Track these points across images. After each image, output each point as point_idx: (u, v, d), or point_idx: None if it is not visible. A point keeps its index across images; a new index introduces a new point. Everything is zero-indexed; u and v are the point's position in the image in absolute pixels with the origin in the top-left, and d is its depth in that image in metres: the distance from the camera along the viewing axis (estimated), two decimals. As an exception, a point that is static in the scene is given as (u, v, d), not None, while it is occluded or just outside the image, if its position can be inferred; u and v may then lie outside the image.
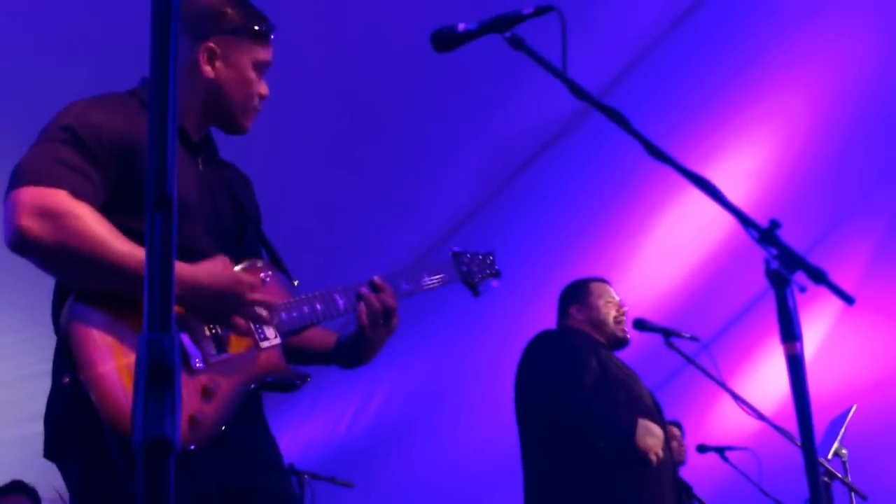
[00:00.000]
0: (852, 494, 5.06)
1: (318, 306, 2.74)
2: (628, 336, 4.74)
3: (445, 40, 2.67)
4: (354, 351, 2.85)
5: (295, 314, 2.69)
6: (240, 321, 2.51)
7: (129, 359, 2.31)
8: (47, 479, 5.26)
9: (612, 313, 4.72)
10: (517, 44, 2.50)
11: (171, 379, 1.22)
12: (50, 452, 2.47)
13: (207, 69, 2.69)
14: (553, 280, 4.60)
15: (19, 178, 2.37)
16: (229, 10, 2.72)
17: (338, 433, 6.64)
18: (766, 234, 1.99)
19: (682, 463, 5.71)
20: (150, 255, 1.25)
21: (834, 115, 7.19)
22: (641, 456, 4.28)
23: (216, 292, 2.45)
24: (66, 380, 2.25)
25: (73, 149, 2.43)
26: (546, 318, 4.87)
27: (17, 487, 5.31)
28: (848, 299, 1.93)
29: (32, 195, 2.33)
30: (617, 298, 4.77)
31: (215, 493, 2.47)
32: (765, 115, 6.75)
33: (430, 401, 6.56)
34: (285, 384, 2.64)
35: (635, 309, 4.91)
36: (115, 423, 2.24)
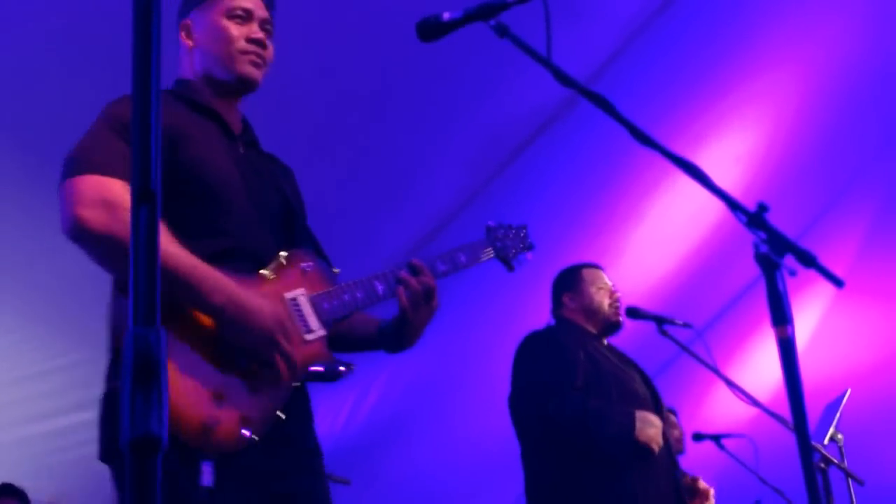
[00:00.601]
0: (849, 480, 5.07)
1: (358, 294, 2.73)
2: (622, 320, 4.71)
3: (430, 30, 2.66)
4: (398, 335, 2.83)
5: (336, 303, 2.68)
6: (266, 355, 2.48)
7: (179, 361, 2.32)
8: (42, 483, 5.25)
9: (606, 300, 4.70)
10: (502, 31, 2.49)
11: (157, 374, 1.21)
12: (105, 455, 2.47)
13: (189, 43, 2.79)
14: (546, 268, 4.59)
15: (76, 166, 2.39)
16: None
17: (335, 430, 6.63)
18: (754, 217, 1.99)
19: (680, 452, 5.71)
20: (134, 248, 1.24)
21: (823, 97, 7.19)
22: (643, 448, 4.26)
23: (253, 320, 2.43)
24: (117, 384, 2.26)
25: (124, 139, 2.46)
26: (540, 307, 4.86)
27: (7, 490, 5.30)
28: (837, 282, 1.93)
29: (91, 184, 2.36)
30: (609, 284, 4.74)
31: (261, 493, 2.46)
32: (753, 99, 6.74)
33: (427, 396, 6.55)
34: (331, 374, 2.64)
35: (628, 296, 4.90)
36: (175, 426, 2.22)
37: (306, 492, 2.60)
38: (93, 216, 2.31)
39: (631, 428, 4.25)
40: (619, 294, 4.74)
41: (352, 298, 2.71)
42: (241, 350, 2.44)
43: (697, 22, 5.78)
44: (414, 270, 2.78)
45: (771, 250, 1.94)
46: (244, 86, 2.79)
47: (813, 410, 5.61)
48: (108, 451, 2.44)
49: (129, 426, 1.18)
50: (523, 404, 4.46)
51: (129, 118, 2.43)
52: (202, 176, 2.57)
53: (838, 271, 1.88)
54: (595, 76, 5.45)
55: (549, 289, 4.86)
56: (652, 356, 6.74)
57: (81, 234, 2.33)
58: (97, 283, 4.68)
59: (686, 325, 4.73)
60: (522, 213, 5.95)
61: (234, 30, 2.75)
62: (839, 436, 5.19)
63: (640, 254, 7.13)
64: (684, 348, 4.75)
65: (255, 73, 2.77)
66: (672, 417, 6.39)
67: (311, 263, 2.72)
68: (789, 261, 1.94)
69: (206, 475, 2.25)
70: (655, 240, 7.19)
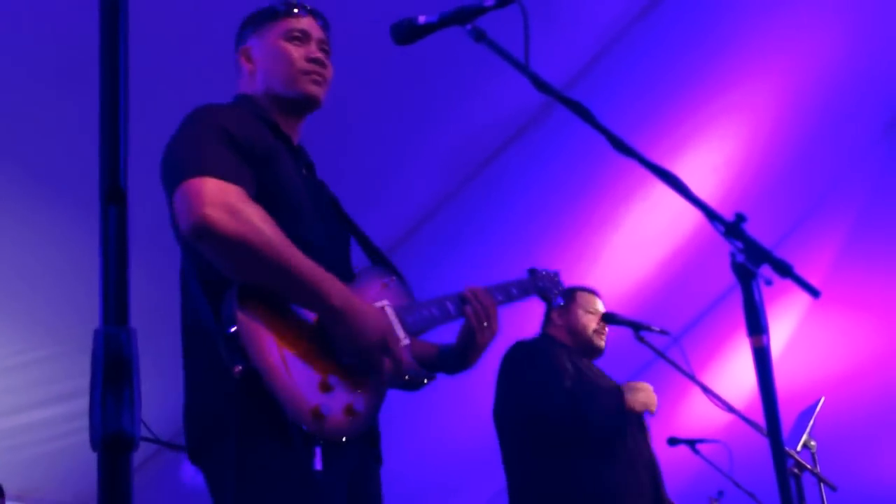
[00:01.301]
0: (822, 486, 5.08)
1: (434, 311, 2.88)
2: (603, 347, 4.76)
3: (405, 33, 2.65)
4: (462, 355, 2.98)
5: (417, 317, 2.82)
6: (375, 358, 2.56)
7: (288, 353, 2.42)
8: (11, 477, 5.22)
9: (592, 325, 4.74)
10: (479, 36, 2.48)
11: (128, 373, 1.21)
12: (199, 447, 2.53)
13: (249, 66, 2.87)
14: (520, 273, 4.59)
15: (195, 169, 2.43)
16: (253, 14, 2.91)
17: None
18: (731, 227, 1.99)
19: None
20: (104, 248, 1.23)
21: (800, 108, 7.22)
22: (639, 414, 4.40)
23: (367, 324, 2.53)
24: (239, 368, 2.30)
25: (232, 150, 2.52)
26: (515, 311, 4.85)
27: None
28: (814, 292, 1.93)
29: (215, 186, 2.40)
30: (600, 312, 4.79)
31: (343, 487, 2.55)
32: (731, 109, 6.76)
33: (407, 395, 6.53)
34: (416, 382, 2.75)
35: (605, 302, 4.92)
36: (293, 410, 2.34)
37: (373, 495, 2.71)
38: (221, 218, 2.35)
39: (621, 399, 4.35)
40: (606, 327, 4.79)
41: (429, 314, 2.86)
42: (352, 349, 2.52)
43: (676, 31, 5.79)
44: (476, 292, 2.94)
45: (747, 260, 1.94)
46: (308, 104, 2.86)
47: (787, 417, 5.66)
48: (207, 439, 2.51)
49: (101, 424, 1.18)
50: (512, 408, 4.49)
51: (232, 126, 2.55)
52: (285, 196, 2.65)
53: (814, 281, 1.89)
54: (573, 82, 5.45)
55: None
56: (628, 362, 6.77)
57: (206, 234, 2.35)
58: (63, 280, 4.68)
59: (662, 332, 4.74)
60: (498, 216, 5.98)
61: (294, 51, 2.83)
62: (812, 442, 5.21)
63: (616, 260, 7.14)
64: (660, 354, 4.76)
65: (317, 91, 2.84)
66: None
67: (392, 278, 2.86)
68: (766, 270, 1.95)
69: (318, 460, 2.34)
70: (632, 246, 7.20)
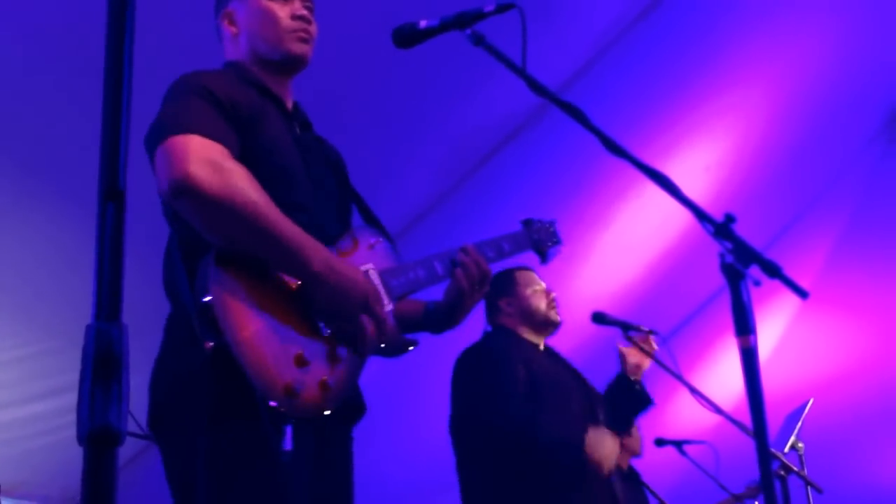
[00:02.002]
0: (808, 488, 5.10)
1: (421, 272, 2.81)
2: (559, 319, 4.64)
3: (407, 37, 2.69)
4: (447, 316, 2.90)
5: (402, 280, 2.75)
6: (358, 323, 2.51)
7: (263, 325, 2.34)
8: (2, 471, 5.22)
9: (542, 302, 4.62)
10: (478, 40, 2.53)
11: (118, 369, 1.21)
12: (162, 419, 2.47)
13: (232, 30, 2.82)
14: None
15: (178, 126, 2.37)
16: None
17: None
18: (721, 228, 2.00)
19: (637, 454, 5.73)
20: (100, 245, 1.24)
21: (793, 110, 7.25)
22: (592, 468, 4.15)
23: (348, 286, 2.48)
24: (210, 344, 2.25)
25: (217, 110, 2.47)
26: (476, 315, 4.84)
27: None
28: (802, 293, 1.95)
29: (199, 143, 2.35)
30: (543, 285, 4.67)
31: (312, 460, 2.50)
32: (724, 111, 6.79)
33: (386, 395, 6.55)
34: (397, 349, 2.71)
35: (594, 302, 4.92)
36: (263, 388, 2.26)
37: (343, 467, 2.67)
38: (203, 174, 2.28)
39: (580, 444, 4.15)
40: (554, 294, 4.67)
41: (415, 276, 2.79)
42: (333, 315, 2.48)
43: (671, 35, 5.81)
44: (469, 254, 2.85)
45: (736, 260, 1.95)
46: (295, 63, 2.82)
47: (776, 419, 5.67)
48: (172, 413, 2.45)
49: (89, 418, 1.19)
50: (466, 412, 4.38)
51: (216, 88, 2.50)
52: (273, 158, 2.59)
53: (804, 282, 1.90)
54: (569, 84, 5.47)
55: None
56: (617, 362, 6.77)
57: (189, 191, 2.28)
58: (57, 276, 4.68)
59: (651, 332, 4.74)
60: (491, 217, 5.99)
61: (279, 10, 2.79)
62: (800, 444, 5.23)
63: (606, 260, 7.15)
64: (649, 355, 4.77)
65: (304, 49, 2.80)
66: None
67: (378, 240, 2.79)
68: (754, 271, 1.96)
69: (288, 438, 2.28)
70: (622, 246, 7.21)
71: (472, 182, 5.69)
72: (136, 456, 5.48)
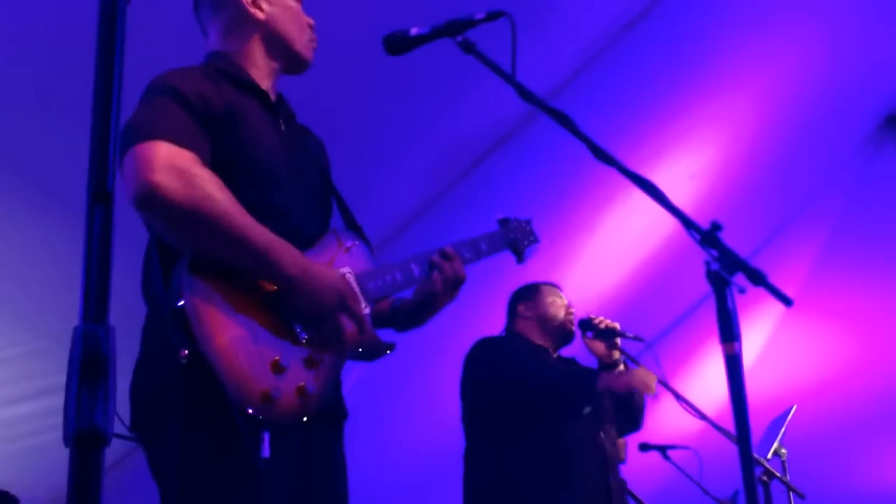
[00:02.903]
0: (791, 494, 5.11)
1: (398, 275, 2.79)
2: (575, 332, 4.74)
3: (398, 44, 2.70)
4: (415, 315, 2.90)
5: (380, 283, 2.73)
6: (334, 324, 2.51)
7: (239, 332, 2.31)
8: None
9: (561, 312, 4.72)
10: (468, 48, 2.54)
11: (104, 370, 1.22)
12: (143, 424, 2.45)
13: (256, 11, 2.78)
14: (496, 276, 4.61)
15: (143, 133, 2.34)
16: None
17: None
18: (707, 235, 2.02)
19: (621, 461, 5.73)
20: (88, 247, 1.25)
21: (779, 118, 7.27)
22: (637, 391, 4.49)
23: (323, 288, 2.46)
24: (185, 352, 2.21)
25: (187, 113, 2.44)
26: (492, 314, 4.87)
27: None
28: (786, 301, 1.96)
29: (166, 151, 2.31)
30: (566, 301, 4.79)
31: (297, 467, 2.49)
32: (711, 119, 6.80)
33: (374, 398, 6.55)
34: (374, 353, 2.68)
35: (580, 307, 4.93)
36: (239, 395, 2.24)
37: (333, 471, 2.65)
38: (169, 183, 2.25)
39: (591, 379, 4.39)
40: (574, 310, 4.77)
41: (392, 279, 2.77)
42: (310, 318, 2.46)
43: (660, 43, 5.83)
44: (446, 257, 2.85)
45: (722, 268, 1.96)
46: (301, 68, 2.86)
47: (759, 425, 5.68)
48: (150, 419, 2.44)
49: (75, 419, 1.20)
50: (488, 384, 4.49)
51: (187, 89, 2.46)
52: (252, 156, 2.57)
53: (789, 290, 1.92)
54: (557, 91, 5.47)
55: (500, 295, 4.87)
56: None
57: (154, 200, 2.25)
58: (45, 276, 4.66)
59: (637, 338, 4.76)
60: (478, 222, 5.96)
61: (301, 13, 2.85)
62: (783, 450, 5.24)
63: (592, 265, 7.15)
64: (634, 360, 4.78)
65: (312, 59, 2.87)
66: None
67: (355, 243, 2.77)
68: (739, 279, 1.97)
69: (266, 446, 2.26)
70: (608, 252, 7.22)
71: (461, 188, 5.69)
72: (123, 458, 5.45)
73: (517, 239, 3.36)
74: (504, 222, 3.36)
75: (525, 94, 2.41)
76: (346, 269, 2.66)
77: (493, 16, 2.56)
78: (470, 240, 3.12)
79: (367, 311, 2.65)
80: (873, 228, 9.13)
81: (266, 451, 2.25)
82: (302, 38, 2.82)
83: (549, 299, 4.75)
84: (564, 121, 2.31)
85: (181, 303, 2.24)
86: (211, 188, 2.31)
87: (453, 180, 5.64)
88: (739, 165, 7.43)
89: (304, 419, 2.40)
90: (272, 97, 2.80)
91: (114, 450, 5.13)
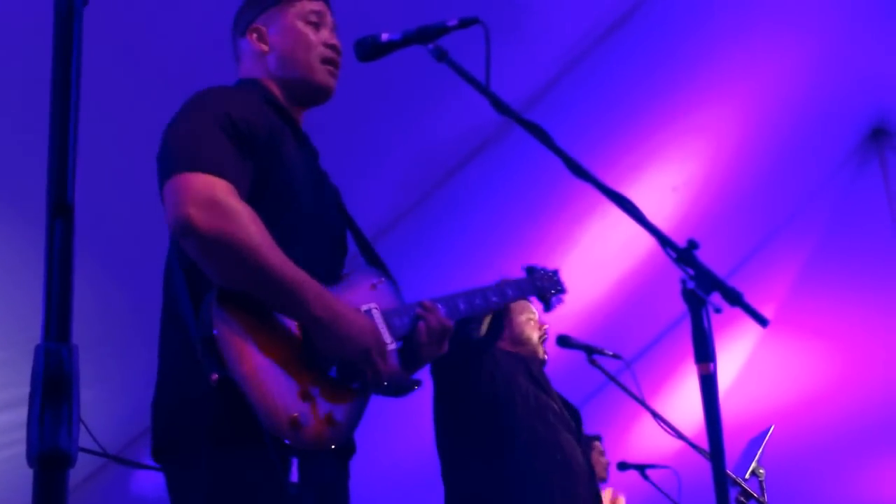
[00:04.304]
0: (768, 514, 5.11)
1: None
2: (545, 357, 4.67)
3: (368, 50, 2.67)
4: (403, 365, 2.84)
5: (406, 320, 2.70)
6: (362, 365, 2.49)
7: (268, 361, 2.33)
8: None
9: (535, 334, 4.63)
10: (440, 56, 2.51)
11: (68, 390, 1.20)
12: (168, 442, 2.44)
13: (262, 47, 2.76)
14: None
15: (183, 162, 2.34)
16: None
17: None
18: (683, 254, 2.00)
19: (603, 480, 5.74)
20: (49, 263, 1.22)
21: (763, 132, 7.27)
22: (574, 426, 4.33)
23: (350, 331, 2.45)
24: (215, 377, 2.22)
25: (230, 138, 2.42)
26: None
27: None
28: (762, 321, 1.95)
29: (201, 183, 2.31)
30: (537, 315, 4.70)
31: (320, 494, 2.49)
32: (694, 129, 6.78)
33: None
34: (402, 389, 2.67)
35: (558, 324, 4.89)
36: (269, 421, 2.25)
37: (340, 496, 2.65)
38: (201, 217, 2.26)
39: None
40: (546, 327, 4.69)
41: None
42: (334, 358, 2.46)
43: (641, 52, 5.81)
44: (427, 309, 2.76)
45: (698, 287, 1.95)
46: (319, 95, 2.80)
47: (739, 445, 5.67)
48: (176, 444, 2.42)
49: (38, 440, 1.18)
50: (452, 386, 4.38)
51: (235, 113, 2.44)
52: (290, 188, 2.56)
53: (769, 308, 1.91)
54: (535, 99, 5.44)
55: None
56: (580, 385, 6.77)
57: (187, 233, 2.27)
58: (8, 287, 4.61)
59: (615, 356, 4.74)
60: (454, 233, 5.97)
61: (312, 35, 2.76)
62: (761, 470, 5.23)
63: (570, 281, 7.10)
64: (612, 379, 4.77)
65: (331, 83, 2.79)
66: (599, 445, 6.41)
67: (380, 280, 2.77)
68: (716, 298, 1.96)
69: (294, 471, 2.30)
70: (587, 268, 7.19)
71: (436, 199, 5.64)
72: (95, 474, 5.40)
73: (544, 287, 3.47)
74: (531, 270, 3.46)
75: (500, 106, 2.38)
76: (372, 305, 2.65)
77: (465, 23, 2.53)
78: (496, 284, 3.18)
79: (392, 346, 2.63)
80: (856, 244, 9.16)
81: (295, 476, 2.29)
82: (310, 63, 2.75)
83: (524, 317, 4.60)
84: (540, 134, 2.29)
85: (213, 332, 2.26)
86: (245, 222, 2.31)
87: (427, 191, 5.61)
88: (723, 179, 7.43)
89: (333, 447, 2.41)
90: (300, 129, 2.79)
91: (84, 466, 5.09)
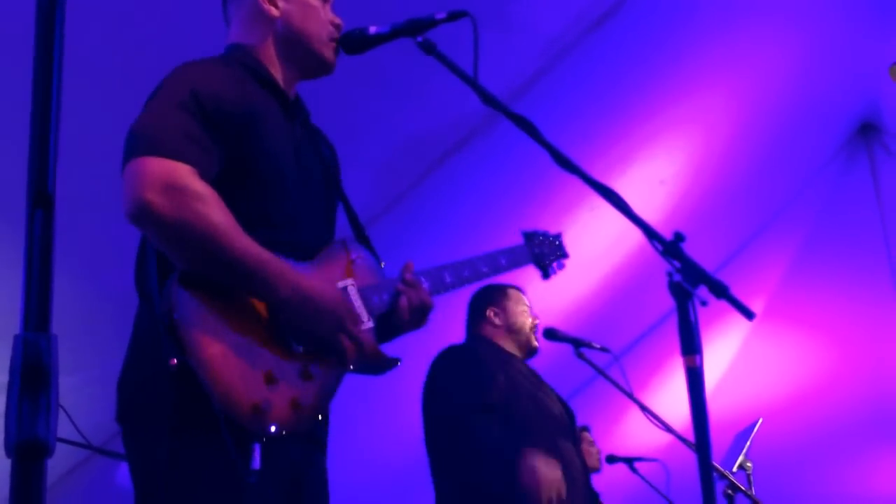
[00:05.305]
0: (755, 507, 5.11)
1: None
2: (538, 346, 4.69)
3: (356, 43, 2.68)
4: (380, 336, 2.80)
5: (385, 297, 2.68)
6: (333, 344, 2.48)
7: (231, 344, 2.29)
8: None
9: (528, 322, 4.66)
10: (429, 49, 2.52)
11: (46, 380, 1.20)
12: (128, 416, 2.43)
13: (272, 9, 2.71)
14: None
15: (143, 146, 2.32)
16: None
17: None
18: (669, 246, 2.00)
19: (596, 470, 5.73)
20: (28, 253, 1.22)
21: (752, 125, 7.26)
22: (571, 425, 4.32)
23: (318, 309, 2.43)
24: (174, 362, 2.20)
25: (196, 119, 2.39)
26: (456, 318, 4.81)
27: None
28: (748, 314, 1.95)
29: (159, 167, 2.28)
30: (529, 308, 4.72)
31: (284, 479, 2.46)
32: (682, 122, 6.77)
33: (340, 402, 6.48)
34: (378, 368, 2.63)
35: (546, 317, 4.89)
36: (228, 408, 2.22)
37: (315, 482, 2.62)
38: (160, 202, 2.23)
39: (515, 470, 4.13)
40: (538, 321, 4.71)
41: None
42: (303, 335, 2.43)
43: (629, 43, 5.79)
44: (410, 284, 2.74)
45: (684, 280, 1.95)
46: (321, 70, 2.79)
47: (727, 438, 5.66)
48: (137, 415, 2.41)
49: (16, 430, 1.18)
50: (436, 420, 4.34)
51: (203, 91, 2.41)
52: (265, 163, 2.53)
53: (758, 302, 1.91)
54: (521, 91, 5.42)
55: (464, 300, 4.77)
56: (568, 378, 6.76)
57: (145, 219, 2.25)
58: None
59: (603, 350, 4.74)
60: (439, 224, 5.95)
61: (321, 11, 2.75)
62: (748, 464, 5.23)
63: (558, 274, 7.11)
64: (601, 372, 4.76)
65: (334, 60, 2.77)
66: (588, 435, 6.41)
67: (360, 254, 2.73)
68: (702, 291, 1.96)
69: (256, 458, 2.24)
70: (574, 260, 7.14)
71: (420, 190, 5.61)
72: (78, 466, 5.38)
73: (543, 253, 3.32)
74: (529, 236, 3.32)
75: (487, 99, 2.39)
76: (349, 282, 2.63)
77: (454, 16, 2.54)
78: (489, 254, 3.09)
79: (369, 325, 2.60)
80: (845, 239, 9.16)
81: (257, 464, 2.24)
82: (321, 37, 2.73)
83: (520, 308, 4.67)
84: (527, 127, 2.30)
85: (176, 316, 2.25)
86: (203, 206, 2.29)
87: (412, 182, 5.58)
88: (711, 172, 7.42)
89: (298, 432, 2.39)
90: (290, 97, 2.75)
91: (68, 458, 5.07)
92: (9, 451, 1.18)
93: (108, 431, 4.96)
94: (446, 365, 4.44)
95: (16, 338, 1.20)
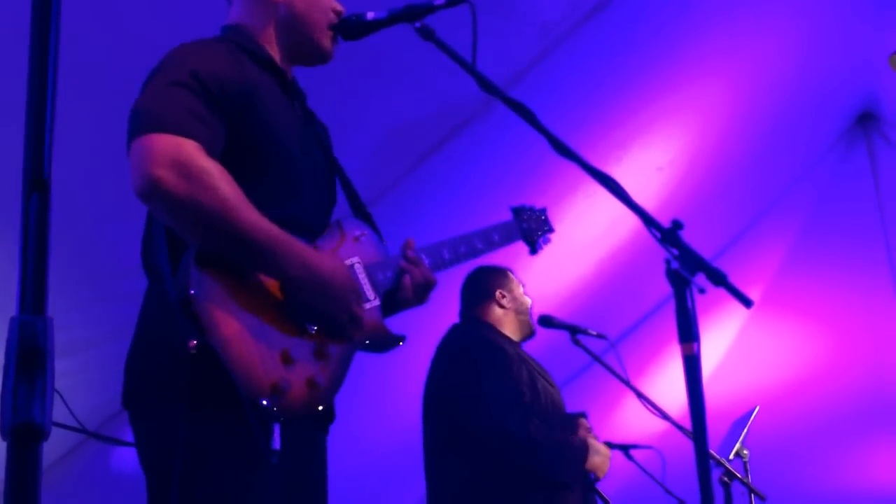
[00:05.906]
0: (752, 495, 5.12)
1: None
2: (535, 328, 4.68)
3: (353, 28, 2.68)
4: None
5: (390, 274, 2.70)
6: (341, 321, 2.48)
7: (247, 324, 2.31)
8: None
9: (528, 302, 4.65)
10: (427, 35, 2.52)
11: (42, 363, 1.20)
12: (139, 400, 2.44)
13: None
14: (453, 269, 4.55)
15: (149, 124, 2.31)
16: None
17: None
18: (667, 234, 2.00)
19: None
20: (25, 237, 1.22)
21: (751, 112, 7.24)
22: (590, 474, 4.35)
23: (329, 286, 2.44)
24: (194, 343, 2.21)
25: (199, 97, 2.39)
26: (444, 308, 4.79)
27: None
28: (746, 302, 1.95)
29: (167, 144, 2.28)
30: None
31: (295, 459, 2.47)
32: (680, 109, 6.74)
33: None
34: (383, 345, 2.66)
35: (541, 303, 4.88)
36: (249, 387, 2.24)
37: (316, 461, 2.64)
38: (170, 178, 2.23)
39: (583, 459, 4.32)
40: (530, 301, 4.70)
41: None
42: (314, 314, 2.44)
43: (627, 29, 5.77)
44: (413, 262, 2.78)
45: (682, 267, 1.95)
46: (318, 59, 2.79)
47: (724, 426, 5.66)
48: (147, 398, 2.41)
49: (12, 413, 1.19)
50: (464, 416, 4.19)
51: (204, 69, 2.41)
52: (270, 139, 2.54)
53: (756, 290, 1.91)
54: (519, 76, 5.40)
55: (459, 285, 4.72)
56: (564, 365, 6.75)
57: (155, 195, 2.25)
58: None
59: (599, 336, 4.73)
60: (435, 210, 5.94)
61: (326, 1, 2.75)
62: (745, 451, 5.24)
63: (554, 258, 7.07)
64: (597, 359, 4.75)
65: (332, 49, 2.78)
66: (585, 422, 6.41)
67: (364, 232, 2.75)
68: (700, 279, 1.96)
69: (276, 438, 2.26)
70: (571, 246, 7.15)
71: (420, 171, 5.59)
72: (73, 450, 5.37)
73: (531, 229, 3.33)
74: (518, 211, 3.33)
75: (485, 85, 2.39)
76: (354, 260, 2.65)
77: (453, 2, 2.53)
78: (483, 230, 3.11)
79: (376, 302, 2.63)
80: (843, 228, 9.15)
81: (277, 443, 2.25)
82: (321, 26, 2.73)
83: (520, 289, 4.66)
84: (525, 113, 2.30)
85: (190, 293, 2.25)
86: (213, 181, 2.29)
87: (408, 168, 5.56)
88: (709, 160, 7.40)
89: (316, 411, 2.42)
90: (288, 77, 2.75)
91: (62, 442, 5.06)
92: (4, 434, 1.19)
93: (103, 415, 4.96)
94: (467, 354, 4.38)
95: (12, 320, 1.21)
